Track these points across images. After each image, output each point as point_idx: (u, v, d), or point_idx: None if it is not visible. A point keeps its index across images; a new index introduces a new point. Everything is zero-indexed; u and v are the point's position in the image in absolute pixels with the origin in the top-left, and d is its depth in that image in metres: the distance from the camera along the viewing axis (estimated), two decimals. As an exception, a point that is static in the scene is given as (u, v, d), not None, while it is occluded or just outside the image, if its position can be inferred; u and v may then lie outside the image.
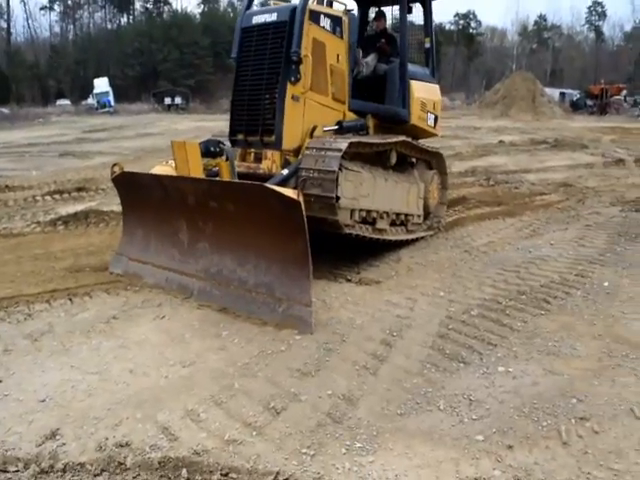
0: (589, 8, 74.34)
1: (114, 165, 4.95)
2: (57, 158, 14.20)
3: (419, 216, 6.13)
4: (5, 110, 39.47)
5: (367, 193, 5.09)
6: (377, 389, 3.05)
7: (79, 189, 9.30)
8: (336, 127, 5.30)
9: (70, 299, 4.37)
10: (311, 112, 5.06)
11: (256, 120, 5.02)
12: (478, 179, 10.45)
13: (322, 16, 5.10)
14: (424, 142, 6.45)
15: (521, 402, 2.91)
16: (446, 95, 49.78)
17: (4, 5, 65.00)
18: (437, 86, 6.67)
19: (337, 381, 3.12)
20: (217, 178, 4.66)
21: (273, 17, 4.95)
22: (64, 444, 2.55)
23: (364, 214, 5.15)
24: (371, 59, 5.98)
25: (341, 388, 3.04)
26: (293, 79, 4.83)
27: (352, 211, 4.95)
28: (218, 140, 4.91)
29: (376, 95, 5.91)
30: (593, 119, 32.24)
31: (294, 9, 4.82)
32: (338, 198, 4.62)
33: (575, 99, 43.41)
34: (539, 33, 74.33)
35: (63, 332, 3.78)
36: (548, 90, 37.92)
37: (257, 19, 5.05)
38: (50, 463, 2.40)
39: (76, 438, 2.59)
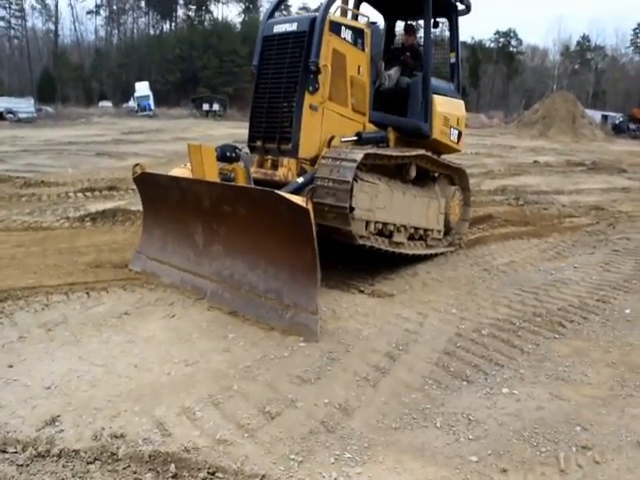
0: (634, 30, 72.67)
1: (135, 165, 5.07)
2: (93, 157, 14.62)
3: (439, 231, 6.08)
4: (50, 109, 41.00)
5: (383, 205, 5.07)
6: (374, 401, 3.02)
7: (110, 188, 9.56)
8: (355, 138, 5.30)
9: (87, 293, 4.49)
10: (329, 122, 5.08)
11: (274, 128, 5.06)
12: (507, 198, 10.29)
13: (343, 28, 5.10)
14: (450, 157, 6.41)
15: (522, 425, 2.84)
16: (484, 113, 49.55)
17: (53, 8, 67.81)
18: (462, 102, 6.61)
19: (335, 390, 3.11)
20: (231, 183, 4.72)
21: (293, 27, 4.97)
22: (62, 430, 2.61)
23: (380, 226, 5.12)
24: (394, 72, 5.97)
25: (338, 398, 3.03)
26: (311, 88, 4.84)
27: (367, 222, 4.94)
28: (234, 145, 4.96)
29: (398, 108, 5.90)
30: (636, 143, 31.47)
31: (314, 19, 4.85)
32: (352, 209, 4.62)
33: (617, 122, 42.45)
34: (582, 54, 73.02)
35: (76, 324, 3.89)
36: (589, 112, 37.20)
37: (278, 28, 5.10)
38: (47, 448, 2.47)
39: (74, 426, 2.65)
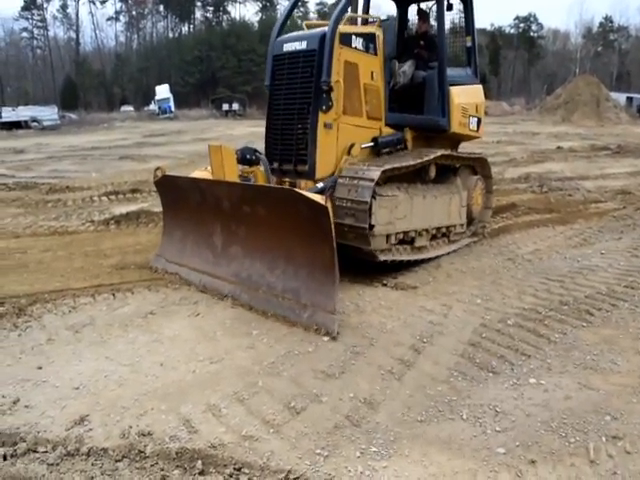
0: (660, 8, 70.50)
1: (157, 169, 5.11)
2: (117, 161, 14.84)
3: (462, 225, 6.00)
4: (73, 115, 41.72)
5: (404, 215, 5.00)
6: (400, 394, 3.01)
7: (133, 191, 9.69)
8: (372, 144, 5.20)
9: (113, 294, 4.56)
10: (345, 136, 4.98)
11: (289, 149, 5.00)
12: (531, 185, 10.11)
13: (354, 37, 4.99)
14: (471, 144, 6.28)
15: (550, 416, 2.79)
16: (505, 100, 48.69)
17: (74, 17, 69.07)
18: (479, 86, 6.44)
19: (360, 384, 3.10)
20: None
21: (303, 45, 4.88)
22: (91, 430, 2.66)
23: (401, 236, 5.09)
24: (408, 67, 5.81)
25: (363, 392, 3.02)
26: (324, 107, 4.75)
27: (388, 236, 4.90)
28: (254, 148, 4.95)
29: (414, 104, 5.79)
30: (663, 125, 30.53)
31: (323, 36, 4.72)
32: (372, 226, 4.60)
33: (643, 104, 41.23)
34: (604, 35, 71.07)
35: (103, 325, 3.96)
36: (613, 95, 36.19)
37: (288, 47, 5.00)
38: (76, 447, 2.52)
39: (102, 425, 2.70)
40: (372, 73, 5.23)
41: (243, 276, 4.40)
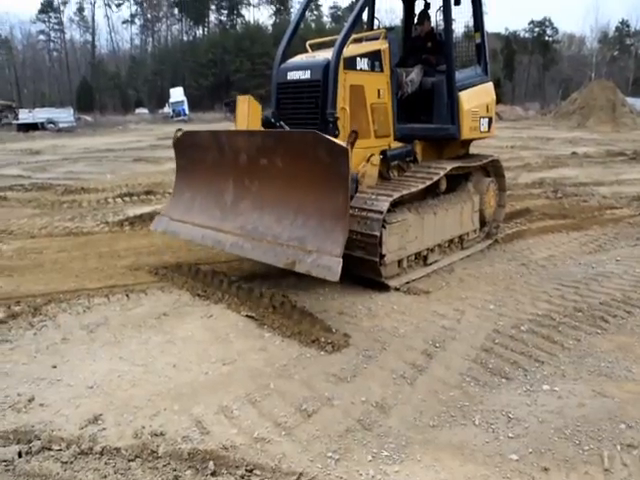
0: (678, 12, 69.78)
1: (178, 130, 5.09)
2: (131, 163, 14.99)
3: (475, 230, 5.97)
4: (88, 118, 42.21)
5: (415, 236, 4.96)
6: (412, 399, 3.00)
7: (147, 192, 9.78)
8: (380, 157, 5.11)
9: (127, 295, 4.60)
10: (354, 160, 4.78)
11: None
12: (545, 191, 10.02)
13: (358, 59, 4.89)
14: (483, 144, 6.21)
15: (563, 423, 2.77)
16: (520, 105, 48.41)
17: (90, 20, 70.02)
18: (490, 84, 6.31)
19: (372, 388, 3.10)
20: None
21: (307, 75, 4.80)
22: (104, 429, 2.69)
23: (413, 257, 5.07)
24: (415, 74, 5.69)
25: (375, 395, 3.01)
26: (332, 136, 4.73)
27: (399, 261, 4.89)
28: (277, 116, 4.88)
29: (423, 113, 5.72)
30: (680, 131, 30.13)
31: (327, 65, 4.62)
32: (383, 256, 4.58)
33: (660, 109, 40.74)
34: (621, 39, 70.51)
35: (117, 325, 3.99)
36: (630, 100, 35.79)
37: (291, 75, 4.92)
38: (89, 445, 2.54)
39: (116, 424, 2.73)
40: (379, 91, 5.11)
41: (248, 228, 4.33)
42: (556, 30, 70.41)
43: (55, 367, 3.35)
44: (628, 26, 70.67)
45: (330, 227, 3.78)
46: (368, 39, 5.43)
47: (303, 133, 4.07)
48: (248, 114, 4.60)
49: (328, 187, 3.79)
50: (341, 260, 3.60)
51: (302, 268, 3.78)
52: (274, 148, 4.19)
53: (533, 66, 69.41)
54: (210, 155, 4.78)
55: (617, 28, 71.23)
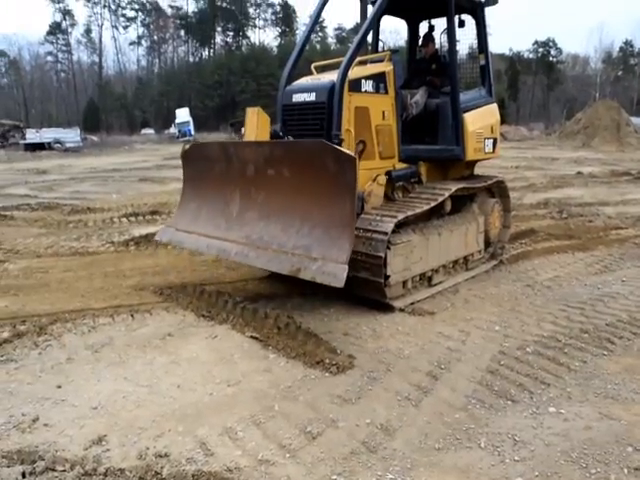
0: (681, 32, 70.50)
1: (185, 143, 5.18)
2: (137, 183, 15.10)
3: (479, 251, 5.98)
4: (95, 138, 42.67)
5: (419, 257, 4.97)
6: (417, 421, 2.98)
7: (153, 212, 9.82)
8: (386, 177, 5.15)
9: (132, 315, 4.62)
10: (359, 181, 4.80)
11: None
12: (550, 211, 10.03)
13: (363, 81, 4.92)
14: (488, 164, 6.24)
15: (570, 446, 2.74)
16: (524, 125, 48.61)
17: (97, 41, 71.37)
18: (494, 105, 6.36)
19: (377, 410, 3.08)
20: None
21: (312, 97, 4.83)
22: (108, 450, 2.68)
23: (417, 278, 5.08)
24: (420, 96, 5.75)
25: (380, 418, 3.00)
26: None
27: (404, 282, 4.90)
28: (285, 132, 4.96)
29: (428, 134, 5.76)
30: (684, 151, 30.17)
31: (332, 87, 4.64)
32: (387, 277, 4.60)
33: (665, 129, 40.83)
34: (624, 59, 71.09)
35: (122, 345, 4.00)
36: (634, 119, 35.97)
37: (297, 97, 4.96)
38: (93, 466, 2.54)
39: (120, 445, 2.72)
40: (383, 113, 5.13)
41: (254, 237, 4.35)
42: (560, 50, 71.19)
43: (60, 387, 3.35)
44: (632, 46, 71.42)
45: (336, 235, 3.81)
46: (373, 61, 5.48)
47: (311, 142, 4.16)
48: (257, 126, 4.68)
49: (335, 195, 3.83)
50: (347, 267, 3.63)
51: (307, 275, 3.80)
52: (282, 158, 4.25)
53: (537, 86, 69.92)
54: (217, 166, 4.85)
55: (621, 48, 71.96)
